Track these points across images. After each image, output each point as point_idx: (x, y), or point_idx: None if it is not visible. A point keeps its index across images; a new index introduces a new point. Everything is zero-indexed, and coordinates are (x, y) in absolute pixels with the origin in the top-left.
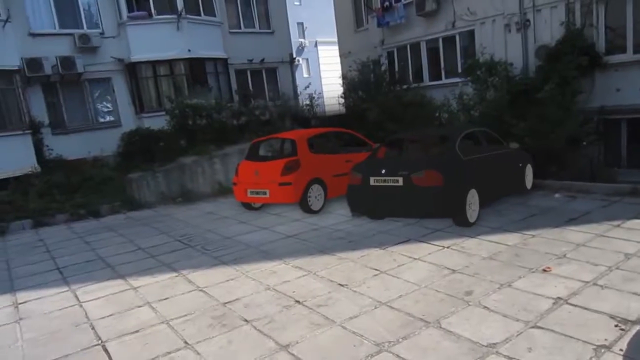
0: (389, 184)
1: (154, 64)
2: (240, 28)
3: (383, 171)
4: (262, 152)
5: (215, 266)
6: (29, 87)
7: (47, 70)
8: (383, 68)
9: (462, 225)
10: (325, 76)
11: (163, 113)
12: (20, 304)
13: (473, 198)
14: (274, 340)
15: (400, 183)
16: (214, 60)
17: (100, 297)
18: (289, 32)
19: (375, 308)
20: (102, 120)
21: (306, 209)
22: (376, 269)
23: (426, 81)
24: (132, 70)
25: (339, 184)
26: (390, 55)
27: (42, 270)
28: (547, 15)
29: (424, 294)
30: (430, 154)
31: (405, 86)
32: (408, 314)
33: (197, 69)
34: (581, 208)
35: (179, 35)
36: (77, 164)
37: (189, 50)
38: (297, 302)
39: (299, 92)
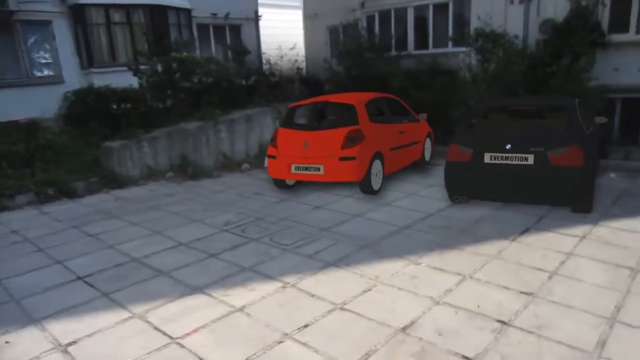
0: (514, 162)
1: (107, 8)
2: None
3: (508, 146)
4: (305, 119)
5: (323, 269)
6: None
7: None
8: (363, 33)
9: (582, 212)
10: (265, 40)
11: (123, 68)
12: (69, 345)
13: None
14: None
15: (531, 161)
16: (177, 9)
17: (198, 326)
18: None
19: (615, 329)
20: (39, 74)
21: (368, 189)
22: (540, 269)
23: (411, 50)
24: (79, 14)
25: (396, 159)
26: (370, 19)
27: (58, 282)
28: None
29: None
30: (557, 127)
31: (395, 53)
32: None
33: (158, 18)
34: None
35: None
36: (6, 128)
37: None
38: (502, 322)
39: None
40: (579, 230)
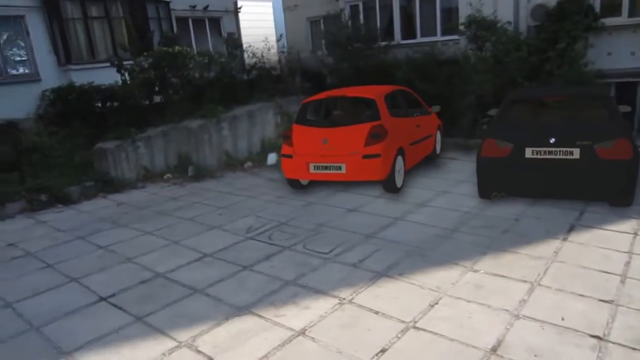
0: (558, 156)
1: (83, 1)
2: None
3: (552, 140)
4: (321, 115)
5: (375, 281)
6: None
7: None
8: (349, 23)
9: (622, 205)
10: (246, 33)
11: (104, 65)
12: None
13: None
14: None
15: (577, 155)
16: (156, 2)
17: (261, 356)
18: None
19: None
20: (14, 72)
21: (392, 187)
22: (606, 272)
23: (398, 40)
24: (53, 8)
25: (414, 154)
26: (354, 9)
27: (79, 304)
28: None
29: None
30: (596, 118)
31: (384, 43)
32: None
33: (137, 12)
34: None
35: None
36: None
37: None
38: (597, 337)
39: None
40: (627, 225)
